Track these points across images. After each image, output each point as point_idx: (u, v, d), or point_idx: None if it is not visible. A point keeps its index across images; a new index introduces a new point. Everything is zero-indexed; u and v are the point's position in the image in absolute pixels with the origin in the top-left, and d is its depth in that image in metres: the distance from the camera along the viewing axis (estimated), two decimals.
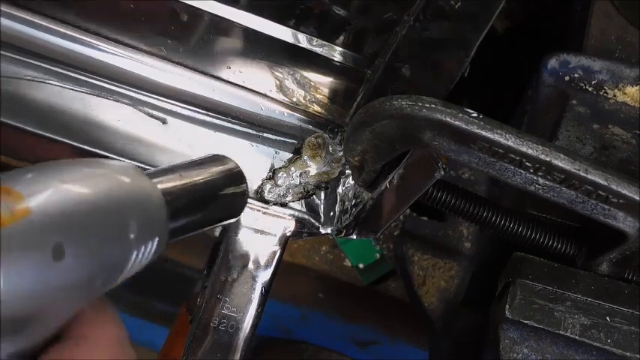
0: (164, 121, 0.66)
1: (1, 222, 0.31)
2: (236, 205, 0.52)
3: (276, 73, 0.67)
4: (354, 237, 0.67)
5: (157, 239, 0.40)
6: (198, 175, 0.47)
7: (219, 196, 0.49)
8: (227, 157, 0.52)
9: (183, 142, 0.66)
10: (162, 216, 0.41)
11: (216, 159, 0.51)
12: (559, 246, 0.61)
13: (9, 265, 0.31)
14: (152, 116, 0.65)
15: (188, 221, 0.45)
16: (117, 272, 0.38)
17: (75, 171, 0.37)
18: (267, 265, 0.64)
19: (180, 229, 0.44)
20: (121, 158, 0.63)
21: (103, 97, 0.64)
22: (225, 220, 0.52)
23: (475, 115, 0.52)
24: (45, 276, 0.33)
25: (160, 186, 0.42)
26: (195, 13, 0.63)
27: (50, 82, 0.63)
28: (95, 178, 0.37)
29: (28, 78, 0.62)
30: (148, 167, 0.63)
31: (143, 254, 0.39)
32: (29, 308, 0.33)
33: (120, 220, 0.37)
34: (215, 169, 0.49)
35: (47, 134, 0.62)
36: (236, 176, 0.51)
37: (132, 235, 0.37)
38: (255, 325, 0.63)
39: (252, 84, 0.68)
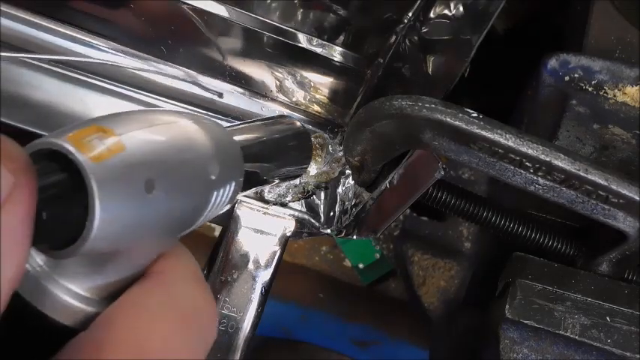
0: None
1: (99, 156, 0.32)
2: (301, 160, 0.56)
3: (276, 73, 0.67)
4: (354, 237, 0.67)
5: (234, 183, 0.42)
6: (267, 131, 0.51)
7: (287, 148, 0.53)
8: (293, 118, 0.57)
9: None
10: (239, 161, 0.44)
11: (283, 118, 0.55)
12: (559, 246, 0.61)
13: (105, 196, 0.32)
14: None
15: (260, 169, 0.49)
16: (200, 211, 0.39)
17: (163, 116, 0.39)
18: (267, 265, 0.64)
19: (253, 175, 0.48)
20: None
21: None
22: (292, 175, 0.57)
23: (475, 115, 0.52)
24: (137, 208, 0.34)
25: (234, 136, 0.45)
26: (196, 13, 0.63)
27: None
28: (181, 123, 0.39)
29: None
30: None
31: (222, 196, 0.41)
32: (121, 239, 0.34)
33: (203, 161, 0.39)
34: (282, 127, 0.53)
35: (46, 133, 0.62)
36: (302, 134, 0.55)
37: (213, 176, 0.39)
38: (255, 325, 0.63)
39: (252, 84, 0.68)
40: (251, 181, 0.47)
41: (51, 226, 0.31)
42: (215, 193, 0.40)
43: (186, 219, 0.39)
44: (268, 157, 0.50)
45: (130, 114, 0.38)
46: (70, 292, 0.35)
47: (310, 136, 0.56)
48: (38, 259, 0.35)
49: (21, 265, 0.30)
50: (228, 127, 0.47)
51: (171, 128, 0.38)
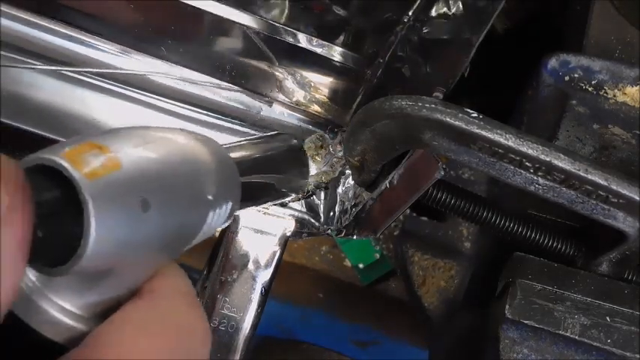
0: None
1: (94, 173, 0.32)
2: (297, 178, 0.55)
3: (276, 73, 0.67)
4: (354, 237, 0.67)
5: (230, 202, 0.42)
6: (263, 148, 0.51)
7: (283, 166, 0.53)
8: (291, 135, 0.56)
9: None
10: (235, 180, 0.43)
11: (279, 136, 0.54)
12: (559, 246, 0.61)
13: (101, 214, 0.32)
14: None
15: (256, 190, 0.48)
16: (195, 230, 0.39)
17: (160, 133, 0.39)
18: (267, 265, 0.64)
19: (249, 196, 0.47)
20: None
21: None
22: (287, 193, 0.55)
23: (475, 115, 0.52)
24: (132, 226, 0.34)
25: (231, 154, 0.45)
26: (195, 13, 0.63)
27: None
28: (178, 141, 0.39)
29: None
30: None
31: (219, 216, 0.40)
32: (115, 258, 0.34)
33: (200, 181, 0.39)
34: (277, 144, 0.53)
35: (47, 134, 0.62)
36: (297, 151, 0.54)
37: (210, 196, 0.39)
38: (255, 325, 0.64)
39: (252, 84, 0.68)
40: (247, 199, 0.47)
41: (46, 244, 0.31)
42: (211, 213, 0.40)
43: (181, 238, 0.38)
44: (264, 175, 0.49)
45: (127, 130, 0.37)
46: (62, 310, 0.35)
47: (306, 153, 0.55)
48: (30, 274, 0.35)
49: (16, 285, 0.30)
50: (225, 145, 0.47)
51: (168, 146, 0.38)
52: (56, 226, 0.31)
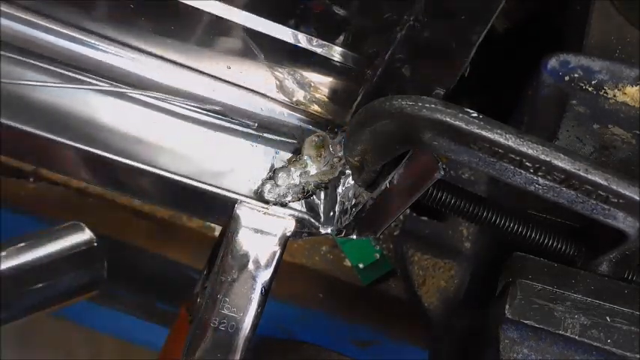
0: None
1: None
2: (87, 284, 0.50)
3: (276, 73, 0.67)
4: (354, 237, 0.67)
5: None
6: (44, 254, 0.45)
7: (62, 275, 0.47)
8: (84, 228, 0.49)
9: (183, 142, 0.66)
10: None
11: (71, 229, 0.49)
12: (559, 246, 0.61)
13: None
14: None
15: (21, 307, 0.44)
16: None
17: None
18: (267, 265, 0.64)
19: (11, 317, 0.43)
20: (121, 158, 0.63)
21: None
22: (75, 297, 0.50)
23: (475, 115, 0.52)
24: None
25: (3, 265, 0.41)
26: (195, 12, 0.63)
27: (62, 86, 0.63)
28: None
29: (31, 83, 0.62)
30: (147, 167, 0.64)
31: None
32: None
33: None
34: (66, 245, 0.47)
35: (47, 134, 0.62)
36: (88, 254, 0.49)
37: None
38: (255, 325, 0.63)
39: (252, 84, 0.68)
40: (7, 321, 0.42)
41: None
42: None
43: None
44: (34, 288, 0.45)
45: None
46: None
47: (103, 254, 0.50)
48: None
49: None
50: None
51: None
52: None
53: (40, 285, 0.45)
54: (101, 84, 0.65)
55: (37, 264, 0.45)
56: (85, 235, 0.48)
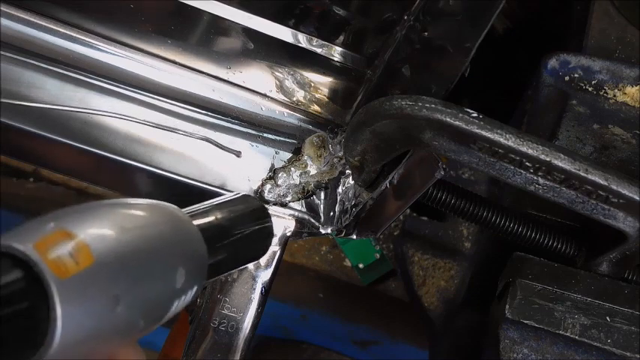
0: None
1: (67, 270, 0.32)
2: (263, 244, 0.53)
3: (276, 73, 0.67)
4: (354, 237, 0.67)
5: (196, 287, 0.41)
6: (230, 218, 0.48)
7: (249, 237, 0.50)
8: (252, 197, 0.54)
9: (183, 142, 0.66)
10: (204, 266, 0.43)
11: (243, 199, 0.52)
12: (559, 246, 0.61)
13: (68, 314, 0.31)
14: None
15: (221, 265, 0.46)
16: (160, 318, 0.39)
17: (132, 212, 0.38)
18: (267, 265, 0.64)
19: (214, 273, 0.46)
20: (121, 158, 0.63)
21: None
22: (252, 260, 0.54)
23: (475, 115, 0.52)
24: (100, 323, 0.34)
25: (197, 221, 0.44)
26: (195, 13, 0.63)
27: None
28: (150, 222, 0.38)
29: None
30: (148, 167, 0.63)
31: (184, 301, 0.40)
32: (79, 352, 0.33)
33: (170, 270, 0.39)
34: (243, 208, 0.50)
35: (47, 134, 0.62)
36: (262, 215, 0.52)
37: (179, 285, 0.39)
38: (255, 325, 0.63)
39: (252, 84, 0.68)
40: (212, 274, 0.46)
41: (10, 342, 0.30)
42: (177, 301, 0.39)
43: (146, 325, 0.38)
44: (231, 250, 0.48)
45: (96, 211, 0.36)
46: None
47: (269, 215, 0.53)
48: None
49: None
50: (192, 212, 0.45)
51: (142, 233, 0.37)
52: (22, 325, 0.31)
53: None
54: (102, 85, 0.65)
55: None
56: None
